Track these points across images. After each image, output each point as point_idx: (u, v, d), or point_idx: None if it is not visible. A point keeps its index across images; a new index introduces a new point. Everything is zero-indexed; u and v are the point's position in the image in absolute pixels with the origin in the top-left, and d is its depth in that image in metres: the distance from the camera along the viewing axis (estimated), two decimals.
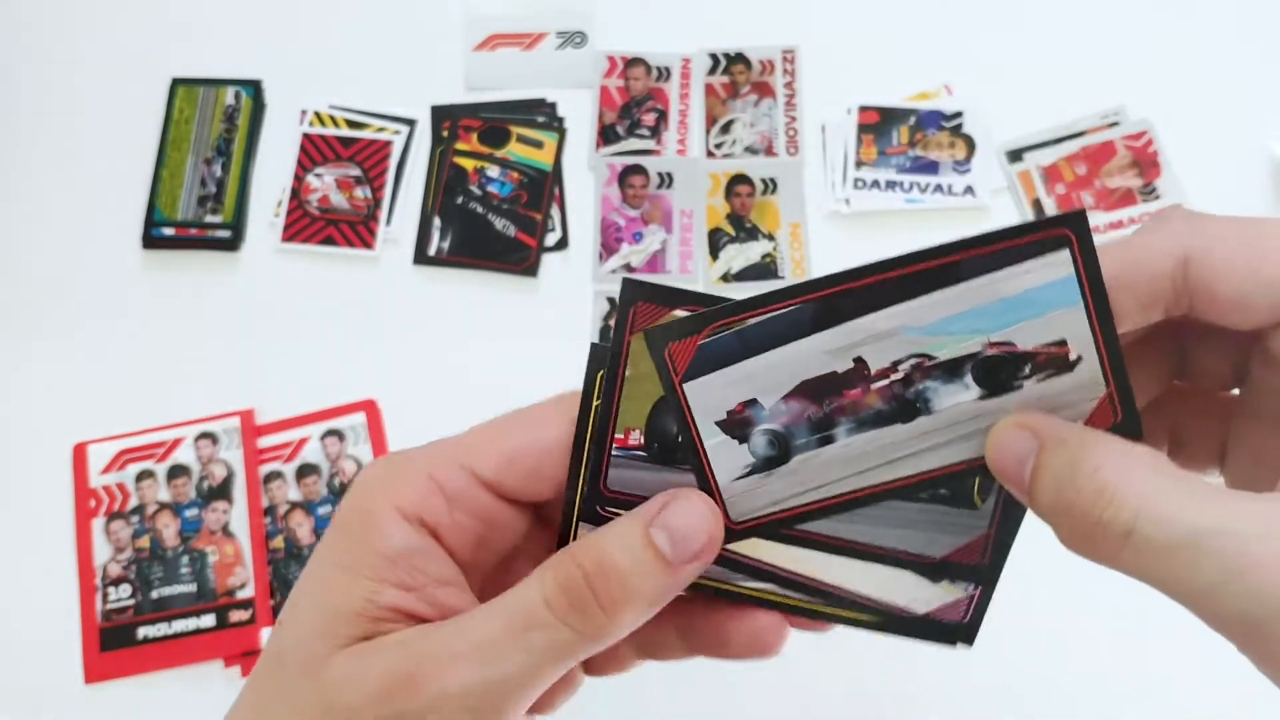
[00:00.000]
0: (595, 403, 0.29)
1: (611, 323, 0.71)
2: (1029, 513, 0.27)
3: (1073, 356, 0.26)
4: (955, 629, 0.30)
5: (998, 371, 0.27)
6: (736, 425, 0.28)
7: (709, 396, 0.28)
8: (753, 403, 0.28)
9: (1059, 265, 0.26)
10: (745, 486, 0.28)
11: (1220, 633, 0.23)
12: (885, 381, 0.27)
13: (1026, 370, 0.27)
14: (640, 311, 0.28)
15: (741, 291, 0.69)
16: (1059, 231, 0.25)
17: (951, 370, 0.27)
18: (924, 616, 0.30)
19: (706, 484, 0.29)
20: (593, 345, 0.29)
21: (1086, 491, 0.24)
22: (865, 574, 0.30)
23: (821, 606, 0.30)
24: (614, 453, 0.29)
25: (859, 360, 0.27)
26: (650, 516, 0.28)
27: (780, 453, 0.28)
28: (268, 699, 0.28)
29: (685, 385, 0.28)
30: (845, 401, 0.27)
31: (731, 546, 0.29)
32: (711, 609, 0.31)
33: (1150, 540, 0.23)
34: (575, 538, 0.30)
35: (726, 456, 0.28)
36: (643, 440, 0.29)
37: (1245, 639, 0.23)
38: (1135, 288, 0.26)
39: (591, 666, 0.33)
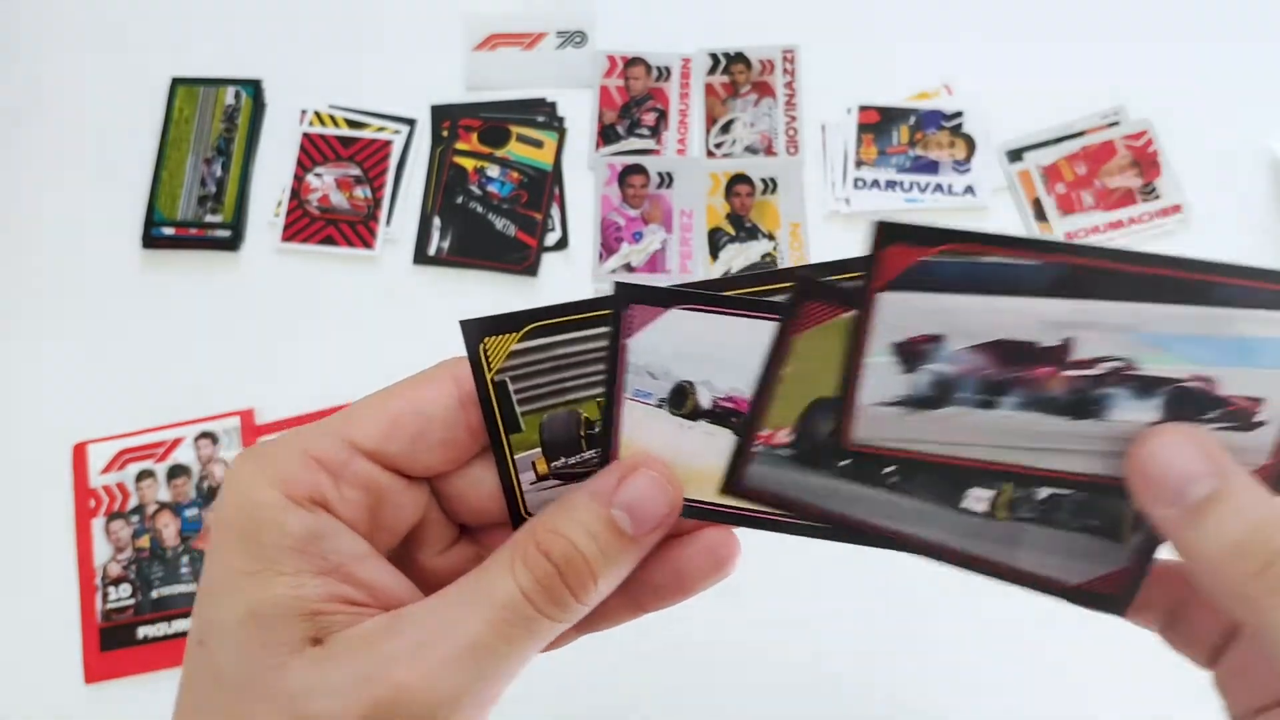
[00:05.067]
0: (489, 375, 0.28)
1: None
2: None
3: (1258, 417, 0.25)
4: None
5: (1186, 404, 0.25)
6: (911, 354, 0.26)
7: (902, 314, 0.26)
8: (938, 338, 0.26)
9: None
10: (884, 414, 0.27)
11: None
12: (1079, 373, 0.26)
13: (1213, 414, 0.25)
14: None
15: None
16: None
17: (1146, 387, 0.25)
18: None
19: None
20: (462, 322, 0.28)
21: None
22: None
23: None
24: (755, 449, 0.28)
25: (1066, 342, 0.25)
26: (608, 495, 0.27)
27: (937, 397, 0.27)
28: None
29: (881, 295, 0.26)
30: (1029, 376, 0.26)
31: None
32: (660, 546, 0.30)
33: None
34: (525, 508, 0.30)
35: (882, 378, 0.27)
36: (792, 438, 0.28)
37: None
38: None
39: None
